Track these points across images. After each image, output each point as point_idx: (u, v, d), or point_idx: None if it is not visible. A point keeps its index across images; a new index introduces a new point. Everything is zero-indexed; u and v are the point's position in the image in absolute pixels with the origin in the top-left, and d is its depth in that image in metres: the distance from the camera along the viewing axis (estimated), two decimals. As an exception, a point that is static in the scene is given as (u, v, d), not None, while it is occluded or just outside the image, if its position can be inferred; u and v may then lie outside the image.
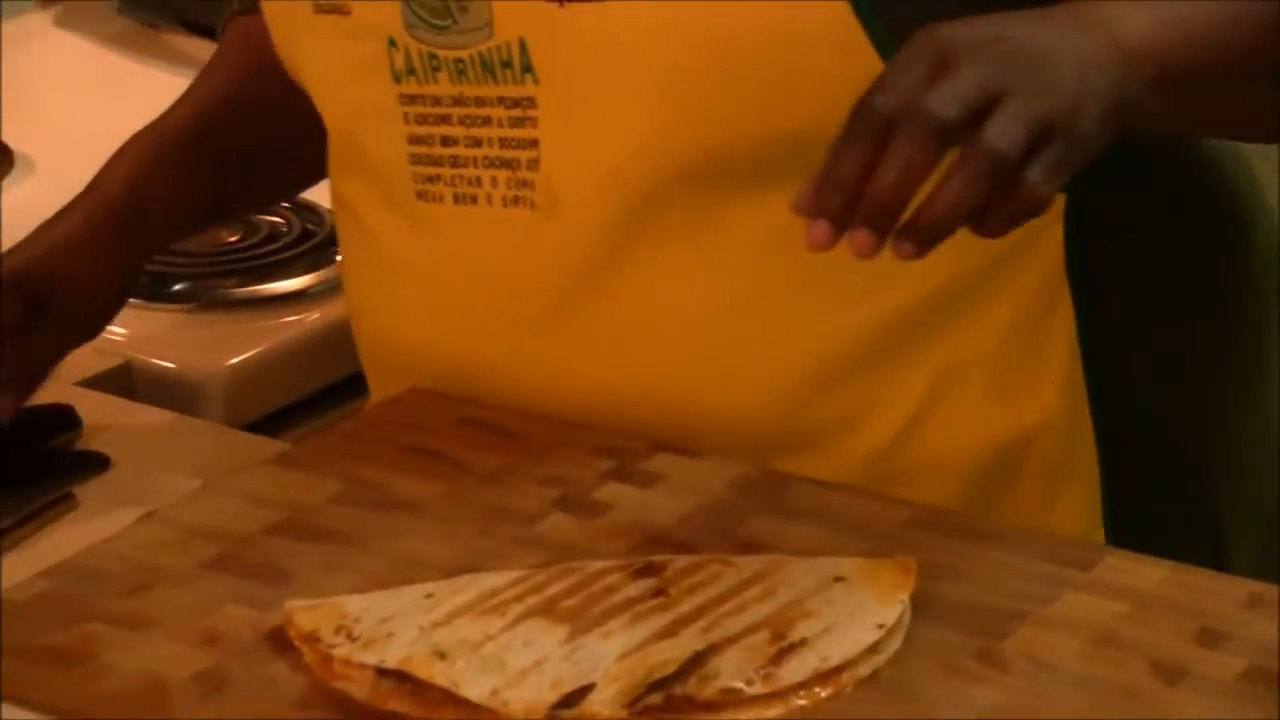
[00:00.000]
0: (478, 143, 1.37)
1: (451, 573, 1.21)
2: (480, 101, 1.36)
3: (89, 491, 1.43)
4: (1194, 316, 1.50)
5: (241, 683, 1.13)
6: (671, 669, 1.10)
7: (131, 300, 1.67)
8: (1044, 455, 1.42)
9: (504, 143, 1.36)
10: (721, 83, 1.30)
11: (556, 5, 1.31)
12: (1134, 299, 1.46)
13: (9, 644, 1.17)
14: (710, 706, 1.09)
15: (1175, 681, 1.12)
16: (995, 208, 1.10)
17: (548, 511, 1.29)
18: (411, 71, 1.38)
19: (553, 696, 1.09)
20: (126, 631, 1.18)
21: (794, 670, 1.11)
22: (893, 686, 1.12)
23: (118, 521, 1.31)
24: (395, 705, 1.10)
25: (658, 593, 1.17)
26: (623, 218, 1.34)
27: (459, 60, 1.35)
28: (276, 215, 1.85)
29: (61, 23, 2.31)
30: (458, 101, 1.37)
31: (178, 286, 1.75)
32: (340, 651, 1.13)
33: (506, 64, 1.34)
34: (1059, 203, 1.38)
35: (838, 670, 1.11)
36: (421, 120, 1.39)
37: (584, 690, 1.09)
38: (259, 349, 1.69)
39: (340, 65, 1.42)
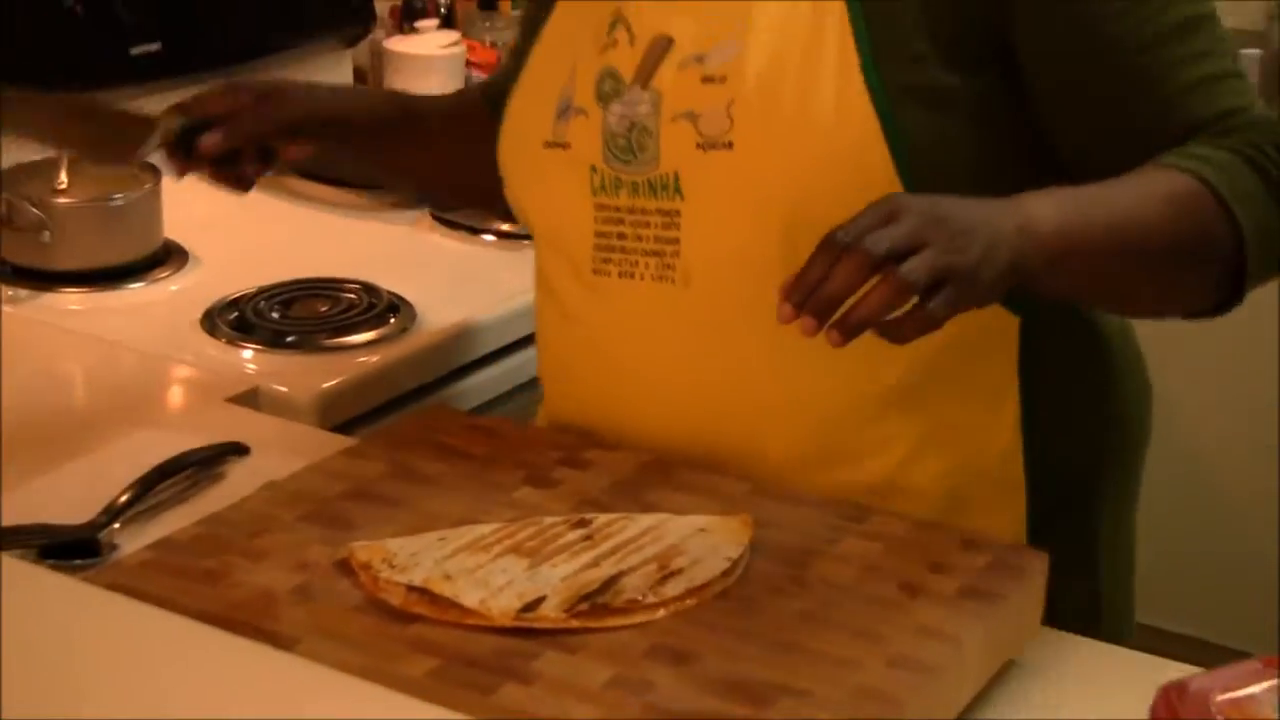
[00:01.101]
0: (640, 238, 1.30)
1: (457, 524, 1.18)
2: (644, 211, 1.29)
3: (233, 468, 1.39)
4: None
5: (321, 594, 1.10)
6: (595, 586, 1.08)
7: (258, 347, 1.64)
8: (1000, 472, 1.32)
9: (656, 239, 1.29)
10: (806, 202, 1.22)
11: (701, 151, 1.26)
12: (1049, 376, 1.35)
13: (174, 568, 1.13)
14: (619, 611, 1.07)
15: (915, 595, 1.10)
16: (901, 321, 1.06)
17: (519, 485, 1.25)
18: (604, 188, 1.31)
19: (519, 604, 1.06)
20: (249, 561, 1.14)
21: (673, 588, 1.09)
22: (737, 600, 1.10)
23: (250, 488, 1.26)
24: (418, 609, 1.07)
25: (587, 538, 1.14)
26: (738, 290, 1.27)
27: (635, 182, 1.29)
28: (351, 293, 1.81)
29: (220, 171, 2.27)
30: (630, 210, 1.30)
31: (290, 339, 1.71)
32: (384, 575, 1.10)
33: (664, 187, 1.28)
34: (1013, 324, 1.29)
35: (701, 588, 1.09)
36: (605, 221, 1.32)
37: (539, 600, 1.07)
38: (340, 379, 1.65)
39: (558, 185, 1.34)
